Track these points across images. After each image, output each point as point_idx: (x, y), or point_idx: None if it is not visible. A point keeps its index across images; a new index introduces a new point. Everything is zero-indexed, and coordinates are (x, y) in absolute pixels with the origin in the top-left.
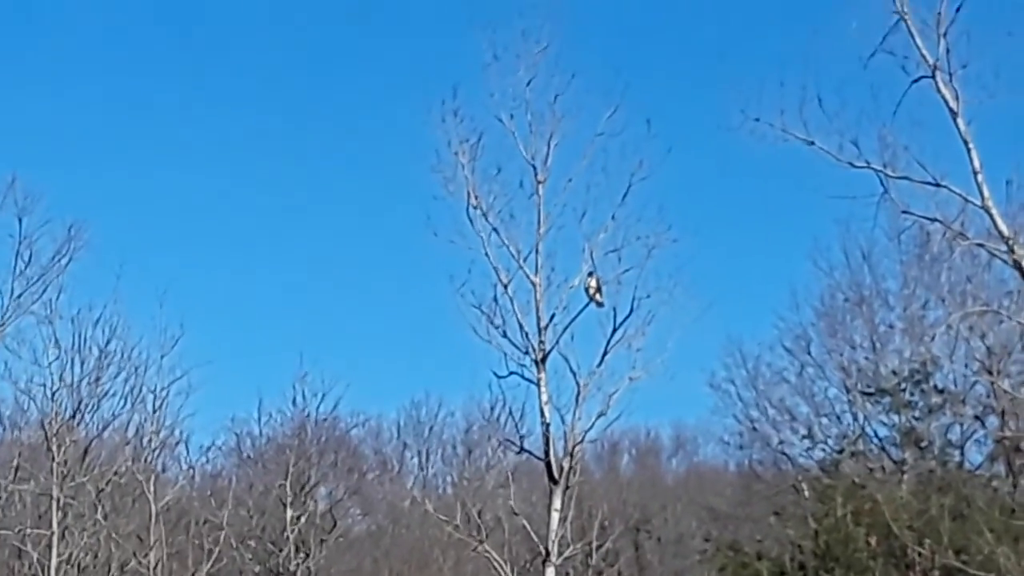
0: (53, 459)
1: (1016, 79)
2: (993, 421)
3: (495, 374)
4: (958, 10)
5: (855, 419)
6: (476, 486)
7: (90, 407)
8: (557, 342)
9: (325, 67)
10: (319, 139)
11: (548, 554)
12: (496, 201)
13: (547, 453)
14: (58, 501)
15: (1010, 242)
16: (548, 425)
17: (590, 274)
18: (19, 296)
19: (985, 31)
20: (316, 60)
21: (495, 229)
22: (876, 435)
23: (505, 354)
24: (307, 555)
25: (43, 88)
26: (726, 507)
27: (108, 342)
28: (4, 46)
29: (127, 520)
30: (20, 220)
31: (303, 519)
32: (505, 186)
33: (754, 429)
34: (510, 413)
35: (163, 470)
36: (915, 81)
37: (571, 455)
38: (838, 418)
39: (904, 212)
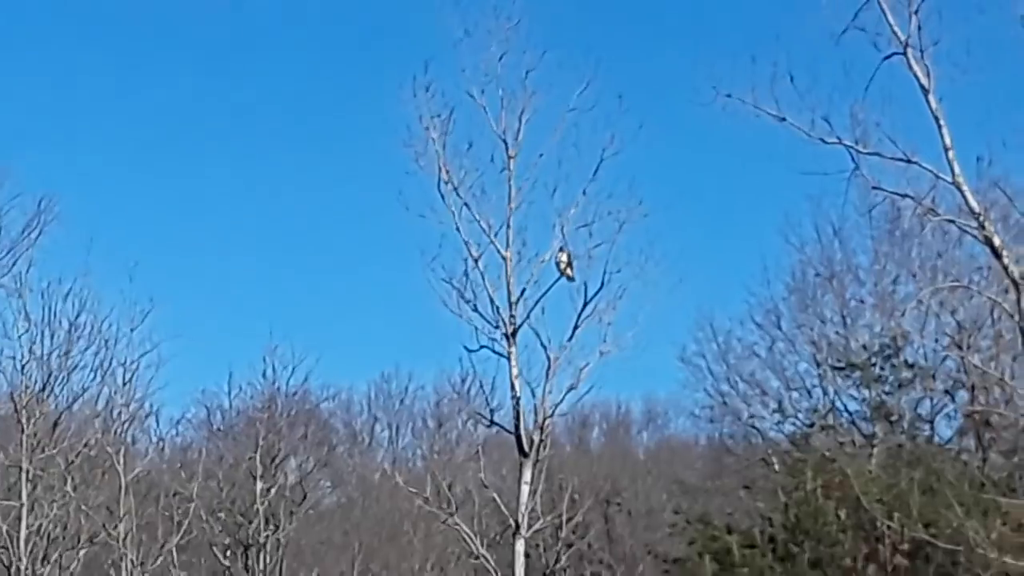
0: (23, 431)
1: (987, 56)
2: (963, 396)
3: (466, 348)
4: None
5: (825, 393)
6: (446, 459)
7: (60, 380)
8: (528, 316)
9: (294, 42)
10: (289, 113)
11: (518, 527)
12: (467, 176)
13: (517, 426)
14: (27, 473)
15: (980, 218)
16: (518, 399)
17: (561, 248)
18: None
19: (956, 8)
20: (284, 35)
21: (466, 204)
22: (846, 409)
23: (476, 328)
24: (277, 527)
25: (10, 62)
26: (696, 480)
27: (78, 315)
28: None
29: (97, 492)
30: None
31: (273, 491)
32: (476, 161)
33: (724, 403)
34: (481, 387)
35: (133, 442)
36: (887, 58)
37: (541, 428)
38: (808, 392)
39: (875, 188)
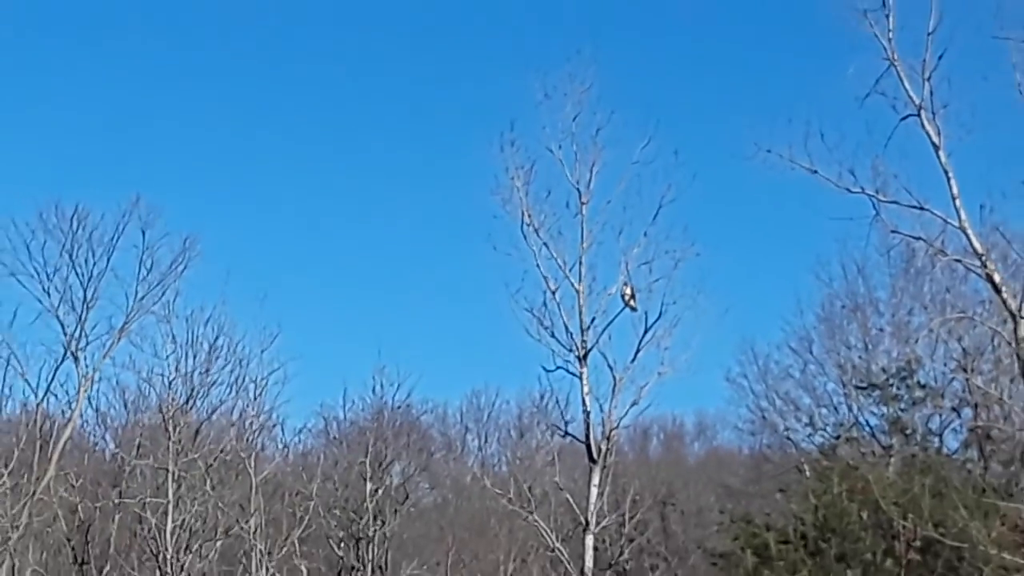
0: (169, 439)
1: (990, 117)
2: (968, 413)
3: (544, 368)
4: (940, 57)
5: (850, 410)
6: (527, 465)
7: (201, 394)
8: (597, 341)
9: (408, 105)
10: (398, 167)
11: (588, 523)
12: (546, 219)
13: (587, 436)
14: (173, 475)
15: (983, 258)
16: (588, 413)
17: (625, 283)
18: (142, 298)
19: (964, 76)
20: (398, 99)
21: (545, 244)
22: (868, 424)
23: (552, 351)
24: (383, 523)
25: (163, 115)
26: (739, 485)
27: (216, 338)
28: (130, 89)
29: (231, 491)
30: (143, 233)
31: (380, 492)
32: (554, 206)
33: (764, 418)
34: (556, 402)
35: (262, 448)
36: (903, 119)
37: (608, 439)
38: (835, 409)
39: (893, 232)
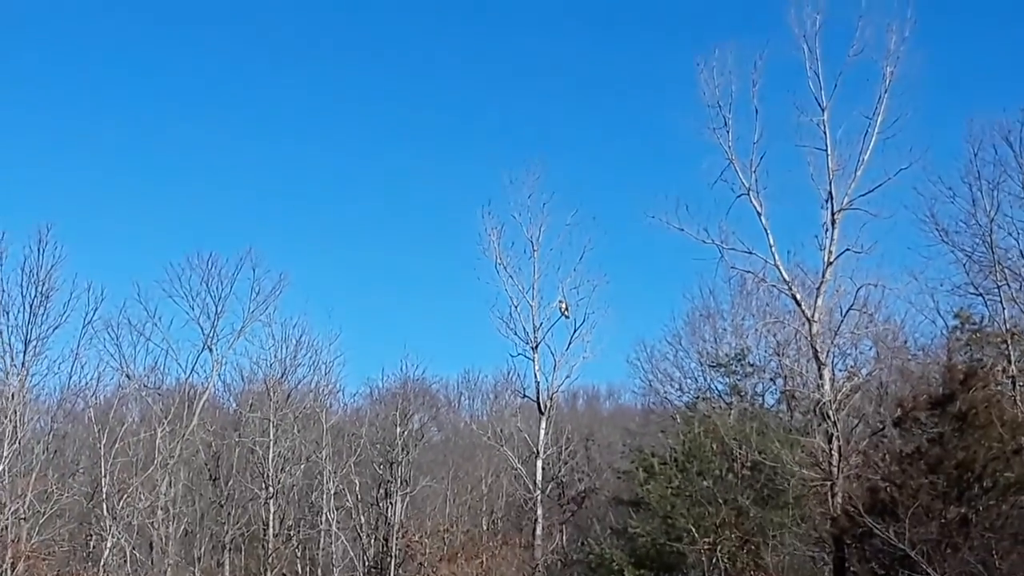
0: (270, 399)
1: (794, 195)
2: (780, 382)
3: (510, 354)
4: (762, 158)
5: (706, 380)
6: (500, 415)
7: (290, 372)
8: (544, 337)
9: (425, 183)
10: (425, 224)
11: (538, 452)
12: (511, 261)
13: (538, 397)
14: (272, 422)
15: (789, 284)
16: (539, 382)
17: (561, 300)
18: (252, 312)
19: (777, 169)
20: (417, 179)
21: (511, 276)
22: (717, 389)
23: (515, 343)
24: (407, 452)
25: (271, 181)
26: (636, 428)
27: (300, 336)
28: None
29: (310, 432)
30: (253, 270)
31: (405, 433)
32: (516, 252)
33: (651, 385)
34: (518, 375)
35: (330, 406)
36: (738, 196)
37: (551, 399)
38: (696, 380)
39: (732, 267)
